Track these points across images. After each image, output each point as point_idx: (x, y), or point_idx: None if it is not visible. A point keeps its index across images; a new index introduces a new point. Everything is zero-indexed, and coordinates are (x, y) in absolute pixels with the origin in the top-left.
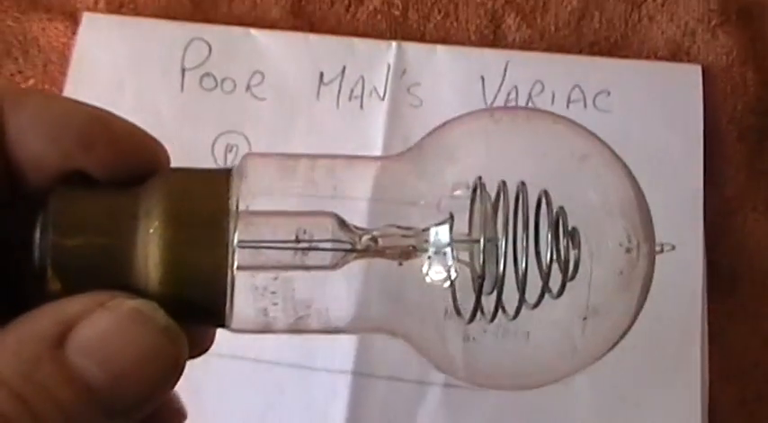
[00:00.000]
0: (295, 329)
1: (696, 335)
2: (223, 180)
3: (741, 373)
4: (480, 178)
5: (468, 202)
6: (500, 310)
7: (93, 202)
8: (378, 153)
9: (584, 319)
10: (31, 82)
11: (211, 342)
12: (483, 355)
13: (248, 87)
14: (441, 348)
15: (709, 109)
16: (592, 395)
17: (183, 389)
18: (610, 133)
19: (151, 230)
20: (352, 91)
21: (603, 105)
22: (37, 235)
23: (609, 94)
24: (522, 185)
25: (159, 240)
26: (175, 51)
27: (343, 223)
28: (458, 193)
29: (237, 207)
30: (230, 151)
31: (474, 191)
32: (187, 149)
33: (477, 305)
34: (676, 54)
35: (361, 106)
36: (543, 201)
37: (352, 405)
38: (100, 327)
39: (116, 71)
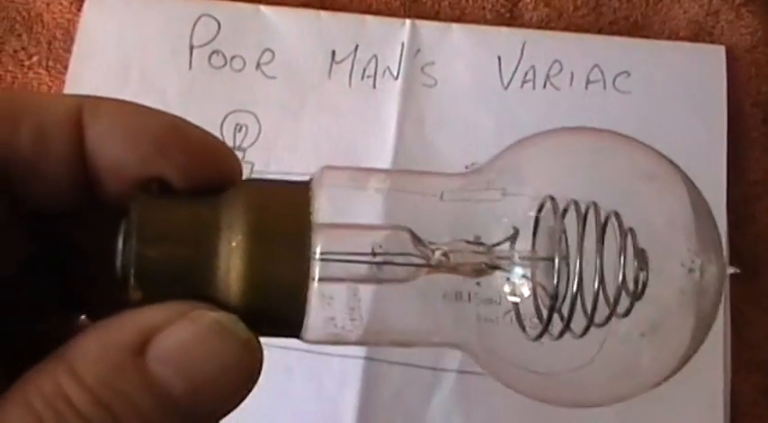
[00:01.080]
0: (366, 342)
1: (718, 323)
2: (303, 192)
3: (764, 361)
4: (552, 197)
5: (533, 219)
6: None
7: (174, 211)
8: (391, 134)
9: (642, 335)
10: (35, 58)
11: None
12: (549, 375)
13: (258, 65)
14: (507, 363)
15: (733, 91)
16: None
17: None
18: (629, 115)
19: (233, 243)
20: (364, 70)
21: (623, 87)
22: (120, 243)
23: (629, 75)
24: (595, 205)
25: (242, 254)
26: (183, 28)
27: (416, 238)
28: (530, 213)
29: (317, 222)
30: (239, 131)
31: (539, 209)
32: None
33: (548, 323)
34: (699, 34)
35: (374, 86)
36: (613, 221)
37: (365, 391)
38: (181, 337)
39: (122, 48)
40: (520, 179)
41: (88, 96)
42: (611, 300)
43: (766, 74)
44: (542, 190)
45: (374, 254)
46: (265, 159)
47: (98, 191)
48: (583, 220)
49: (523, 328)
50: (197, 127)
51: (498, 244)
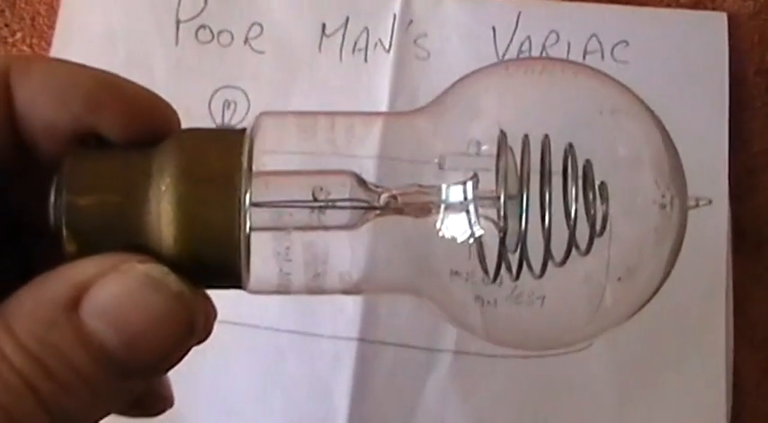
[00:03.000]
0: (313, 290)
1: (720, 300)
2: (237, 138)
3: (766, 339)
4: (503, 132)
5: (494, 158)
6: (528, 269)
7: (106, 162)
8: (384, 109)
9: (619, 279)
10: (18, 35)
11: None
12: (509, 315)
13: (246, 40)
14: (463, 308)
15: (735, 59)
16: (611, 362)
17: (182, 365)
18: (629, 86)
19: (163, 187)
20: (355, 43)
21: (622, 56)
22: (52, 197)
23: (627, 44)
24: (546, 138)
25: (171, 197)
26: (169, 2)
27: (361, 181)
28: (483, 148)
29: (250, 165)
30: (228, 107)
31: (498, 146)
32: (183, 105)
33: (500, 262)
34: (700, 1)
35: (366, 59)
36: (569, 154)
37: (358, 373)
38: (112, 290)
39: (107, 24)
40: (471, 115)
41: (17, 56)
42: (570, 236)
43: None
44: (494, 126)
45: (315, 199)
46: None
47: (34, 151)
48: (540, 154)
49: (486, 271)
50: (132, 82)
51: (450, 185)
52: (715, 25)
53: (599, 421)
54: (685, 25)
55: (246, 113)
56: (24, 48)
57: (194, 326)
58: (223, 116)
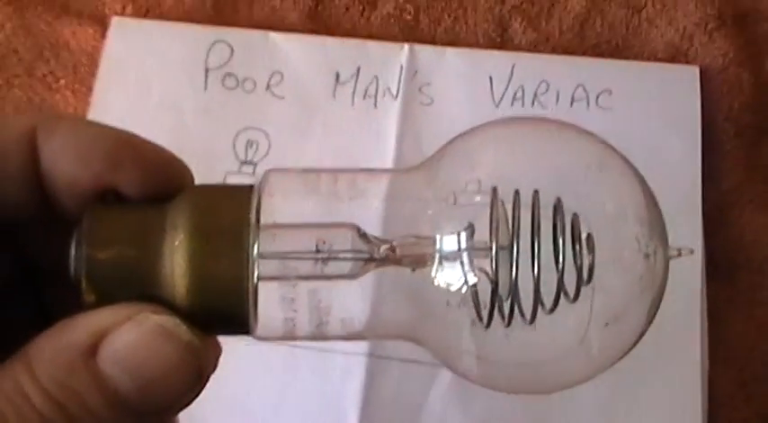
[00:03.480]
0: (317, 337)
1: (696, 321)
2: (245, 194)
3: (739, 356)
4: (494, 188)
5: (488, 210)
6: (519, 316)
7: (123, 217)
8: (391, 150)
9: (606, 325)
10: (62, 82)
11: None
12: (502, 363)
13: (268, 86)
14: (458, 355)
15: (707, 107)
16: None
17: None
18: (611, 130)
19: (176, 243)
20: (366, 90)
21: (605, 104)
22: (72, 249)
23: (611, 93)
24: (536, 194)
25: (184, 252)
26: (199, 53)
27: (362, 234)
28: (476, 199)
29: (258, 219)
30: (251, 147)
31: (491, 201)
32: (210, 145)
33: (492, 310)
34: (675, 56)
35: (375, 105)
36: (558, 208)
37: (367, 386)
38: (128, 339)
39: (143, 72)
40: (465, 169)
41: (45, 115)
42: (558, 285)
43: (737, 92)
44: (488, 181)
45: (318, 251)
46: None
47: (56, 206)
48: (531, 208)
49: (480, 318)
50: (148, 141)
51: (446, 235)
52: (689, 77)
53: None
54: (662, 77)
55: (267, 152)
56: (67, 93)
57: (203, 373)
58: (246, 154)
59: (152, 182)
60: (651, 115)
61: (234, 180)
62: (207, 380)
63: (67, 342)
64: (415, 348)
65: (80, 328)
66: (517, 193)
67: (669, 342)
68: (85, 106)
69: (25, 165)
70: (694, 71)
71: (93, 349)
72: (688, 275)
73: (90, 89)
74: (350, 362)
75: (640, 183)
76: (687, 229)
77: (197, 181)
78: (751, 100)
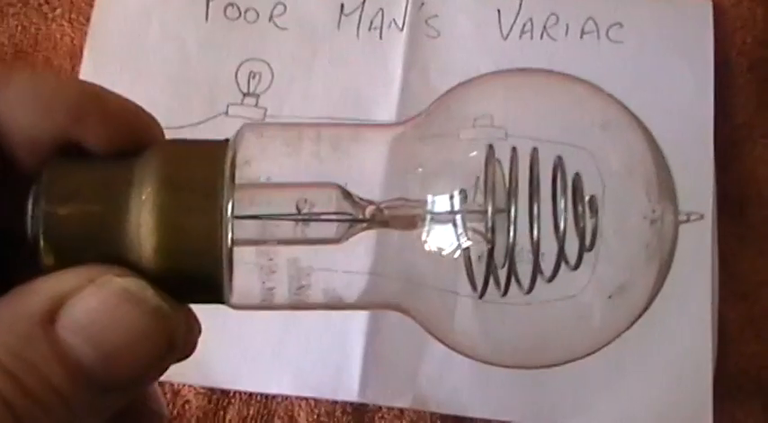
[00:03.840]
0: (297, 305)
1: (707, 256)
2: (220, 149)
3: (749, 292)
4: (490, 145)
5: (483, 170)
6: (516, 284)
7: (86, 171)
8: (397, 82)
9: (610, 297)
10: (58, 11)
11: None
12: (497, 334)
13: (271, 17)
14: (449, 326)
15: (720, 42)
16: None
17: (202, 309)
18: (622, 64)
19: (144, 196)
20: (371, 22)
21: (616, 37)
22: (29, 206)
23: (622, 26)
24: (534, 151)
25: (152, 206)
26: None
27: (347, 194)
28: (472, 155)
29: (233, 175)
30: (253, 78)
31: (486, 159)
32: (211, 77)
33: (487, 276)
34: None
35: (381, 37)
36: (558, 167)
37: (372, 318)
38: (90, 305)
39: (142, 2)
40: (460, 126)
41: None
42: (558, 250)
43: (750, 26)
44: (485, 138)
45: (299, 212)
46: (278, 105)
47: (12, 161)
48: (530, 167)
49: (474, 286)
50: (115, 93)
51: (439, 196)
52: (702, 11)
53: (597, 361)
54: (675, 11)
55: (270, 84)
56: (64, 23)
57: (174, 342)
58: (248, 86)
59: (118, 136)
60: (663, 49)
61: (236, 112)
62: (179, 350)
63: (24, 309)
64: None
65: (38, 293)
66: (514, 150)
67: (679, 278)
68: (82, 37)
69: None
70: (707, 5)
71: (51, 316)
72: (699, 211)
73: (87, 19)
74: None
75: (650, 143)
76: (699, 163)
77: (199, 112)
78: (764, 35)
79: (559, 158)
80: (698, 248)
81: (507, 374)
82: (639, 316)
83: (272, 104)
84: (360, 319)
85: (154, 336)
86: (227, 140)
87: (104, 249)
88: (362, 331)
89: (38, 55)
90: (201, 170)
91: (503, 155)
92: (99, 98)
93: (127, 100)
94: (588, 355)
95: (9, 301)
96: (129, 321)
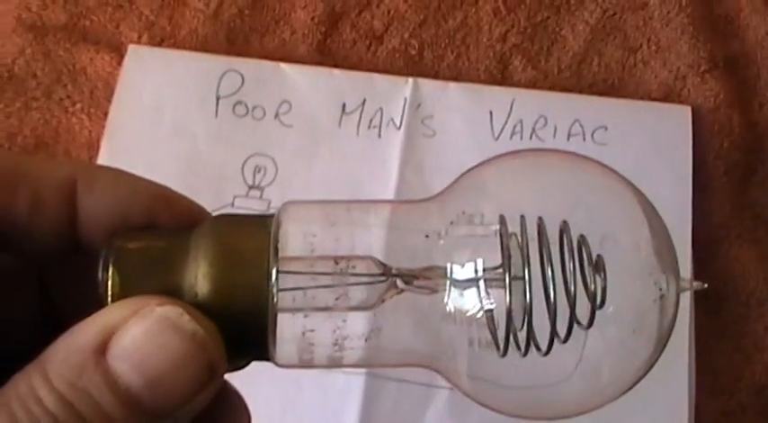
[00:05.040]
0: (333, 365)
1: (684, 352)
2: (266, 225)
3: (726, 386)
4: (502, 216)
5: (493, 237)
6: (533, 346)
7: (152, 231)
8: (394, 177)
9: (618, 352)
10: (78, 106)
11: None
12: (519, 392)
13: (277, 115)
14: (471, 376)
15: (698, 146)
16: None
17: None
18: (606, 164)
19: (201, 253)
20: (371, 121)
21: (601, 139)
22: (103, 252)
23: (606, 129)
24: (540, 220)
25: (208, 261)
26: (211, 81)
27: (380, 264)
28: (491, 228)
29: (276, 248)
30: (259, 172)
31: (500, 232)
32: (219, 170)
33: (507, 338)
34: (668, 96)
35: (380, 135)
36: (564, 231)
37: (365, 404)
38: (134, 334)
39: (156, 98)
40: (476, 202)
41: (84, 165)
42: (571, 311)
43: (727, 131)
44: (497, 211)
45: (339, 283)
46: (281, 197)
47: (87, 248)
48: (547, 236)
49: (497, 346)
50: (181, 196)
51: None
52: (681, 116)
53: None
54: (656, 115)
55: (274, 178)
56: (83, 117)
57: (215, 366)
58: (254, 179)
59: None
60: (644, 151)
61: (242, 203)
62: (220, 377)
63: (79, 342)
64: (411, 370)
65: (90, 327)
66: (523, 218)
67: (657, 371)
68: (100, 129)
69: (62, 215)
70: (686, 111)
71: (102, 347)
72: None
73: (105, 113)
74: (349, 380)
75: (651, 213)
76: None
77: (207, 204)
78: (740, 140)
79: (565, 223)
80: (675, 343)
81: None
82: (644, 375)
83: (276, 197)
84: (353, 406)
85: (194, 360)
86: (272, 215)
87: (165, 282)
88: (356, 418)
89: (58, 146)
90: (250, 245)
91: (514, 226)
92: (169, 201)
93: (190, 200)
94: (596, 408)
95: (66, 336)
96: (170, 347)
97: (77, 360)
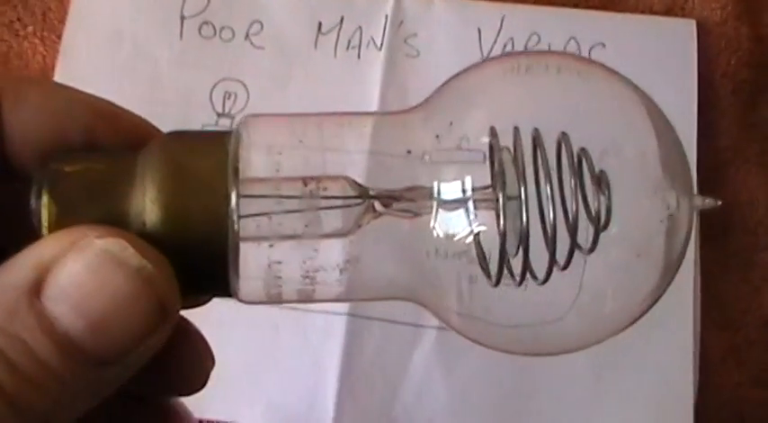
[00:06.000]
0: (304, 299)
1: (689, 283)
2: (224, 142)
3: (732, 320)
4: (493, 128)
5: (483, 153)
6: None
7: (90, 155)
8: (375, 102)
9: (613, 275)
10: (30, 29)
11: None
12: (510, 324)
13: (247, 36)
14: (461, 310)
15: (704, 63)
16: None
17: None
18: None
19: (149, 175)
20: (349, 41)
21: (598, 57)
22: (36, 176)
23: (604, 46)
24: (536, 132)
25: (158, 185)
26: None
27: (355, 184)
28: (474, 142)
29: (237, 169)
30: (228, 98)
31: (490, 144)
32: (185, 96)
33: (501, 265)
34: (671, 9)
35: (359, 56)
36: (563, 144)
37: (347, 346)
38: (72, 270)
39: (115, 19)
40: (465, 111)
41: (10, 78)
42: (572, 235)
43: (735, 47)
44: (486, 120)
45: (306, 206)
46: None
47: (14, 163)
48: (533, 149)
49: (488, 274)
50: (125, 111)
51: (444, 184)
52: (685, 31)
53: (575, 392)
54: (658, 30)
55: (246, 104)
56: (36, 40)
57: (166, 305)
58: (224, 106)
59: (123, 145)
60: (646, 70)
61: None
62: (174, 316)
63: (9, 281)
64: (396, 309)
65: (22, 263)
66: (517, 129)
67: (661, 305)
68: (54, 54)
69: None
70: (691, 25)
71: (36, 287)
72: None
73: (59, 37)
74: (330, 321)
75: (660, 121)
76: None
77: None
78: (749, 56)
79: (564, 135)
80: (680, 274)
81: (485, 402)
82: (648, 309)
83: None
84: (334, 349)
85: (141, 298)
86: (229, 132)
87: (108, 209)
88: (337, 361)
89: (9, 73)
90: (206, 164)
91: (507, 139)
92: (112, 117)
93: (136, 115)
94: (595, 343)
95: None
96: (114, 285)
97: (8, 302)
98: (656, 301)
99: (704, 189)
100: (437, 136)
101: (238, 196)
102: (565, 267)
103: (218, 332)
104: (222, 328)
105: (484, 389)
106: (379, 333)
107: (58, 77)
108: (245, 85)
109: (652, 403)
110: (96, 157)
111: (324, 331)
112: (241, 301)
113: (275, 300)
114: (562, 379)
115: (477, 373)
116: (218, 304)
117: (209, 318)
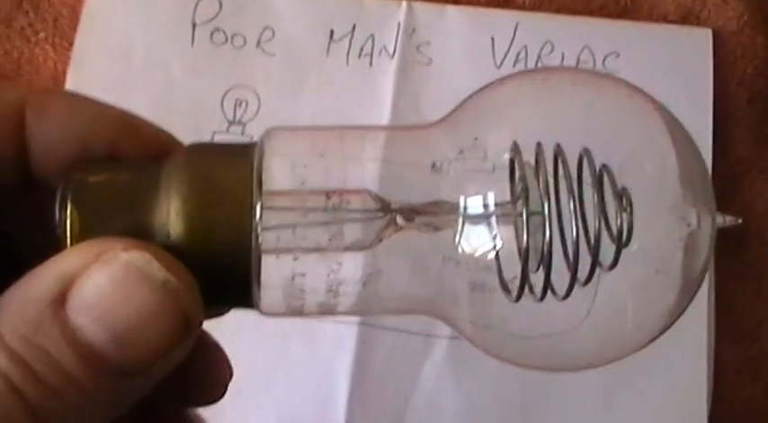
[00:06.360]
0: (325, 312)
1: (703, 295)
2: (248, 154)
3: (747, 332)
4: (515, 143)
5: (505, 169)
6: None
7: (115, 162)
8: (387, 110)
9: (633, 291)
10: (41, 35)
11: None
12: (532, 340)
13: (258, 43)
14: (478, 323)
15: (719, 72)
16: None
17: None
18: None
19: (173, 187)
20: (361, 48)
21: (613, 67)
22: (60, 188)
23: (618, 55)
24: (558, 147)
25: (183, 196)
26: (186, 6)
27: (378, 199)
28: (504, 157)
29: (260, 182)
30: (239, 106)
31: (511, 161)
32: (196, 104)
33: (523, 282)
34: (687, 18)
35: (371, 64)
36: (585, 160)
37: (358, 356)
38: (97, 282)
39: (126, 25)
40: (490, 127)
41: (35, 90)
42: (594, 250)
43: (751, 56)
44: (511, 136)
45: (328, 220)
46: None
47: (43, 180)
48: (554, 165)
49: (507, 290)
50: (149, 123)
51: (466, 200)
52: (701, 40)
53: (586, 403)
54: (673, 39)
55: (257, 112)
56: (47, 47)
57: (190, 318)
58: (235, 114)
59: (146, 157)
60: (660, 80)
61: (222, 140)
62: (197, 329)
63: (34, 292)
64: (408, 319)
65: (47, 274)
66: (539, 145)
67: None
68: (66, 61)
69: (9, 146)
70: (707, 34)
71: (61, 298)
72: None
73: (71, 43)
74: (340, 331)
75: (681, 136)
76: None
77: (182, 140)
78: (765, 65)
79: (586, 151)
80: None
81: (495, 415)
82: (667, 326)
83: (259, 133)
84: (345, 358)
85: (166, 312)
86: (253, 145)
87: (133, 221)
88: (348, 371)
89: (19, 80)
90: (231, 173)
91: (527, 155)
92: (136, 129)
93: (158, 128)
94: (615, 360)
95: (19, 285)
96: (138, 299)
97: (32, 312)
98: (675, 319)
99: (719, 200)
100: (461, 151)
101: (262, 208)
102: (586, 283)
103: (228, 341)
104: (232, 338)
105: (494, 401)
106: (390, 343)
107: (70, 84)
108: (256, 93)
109: (666, 415)
110: (120, 168)
111: (335, 340)
112: (262, 313)
113: (296, 312)
114: (574, 389)
115: (489, 383)
116: (227, 314)
117: (219, 327)
